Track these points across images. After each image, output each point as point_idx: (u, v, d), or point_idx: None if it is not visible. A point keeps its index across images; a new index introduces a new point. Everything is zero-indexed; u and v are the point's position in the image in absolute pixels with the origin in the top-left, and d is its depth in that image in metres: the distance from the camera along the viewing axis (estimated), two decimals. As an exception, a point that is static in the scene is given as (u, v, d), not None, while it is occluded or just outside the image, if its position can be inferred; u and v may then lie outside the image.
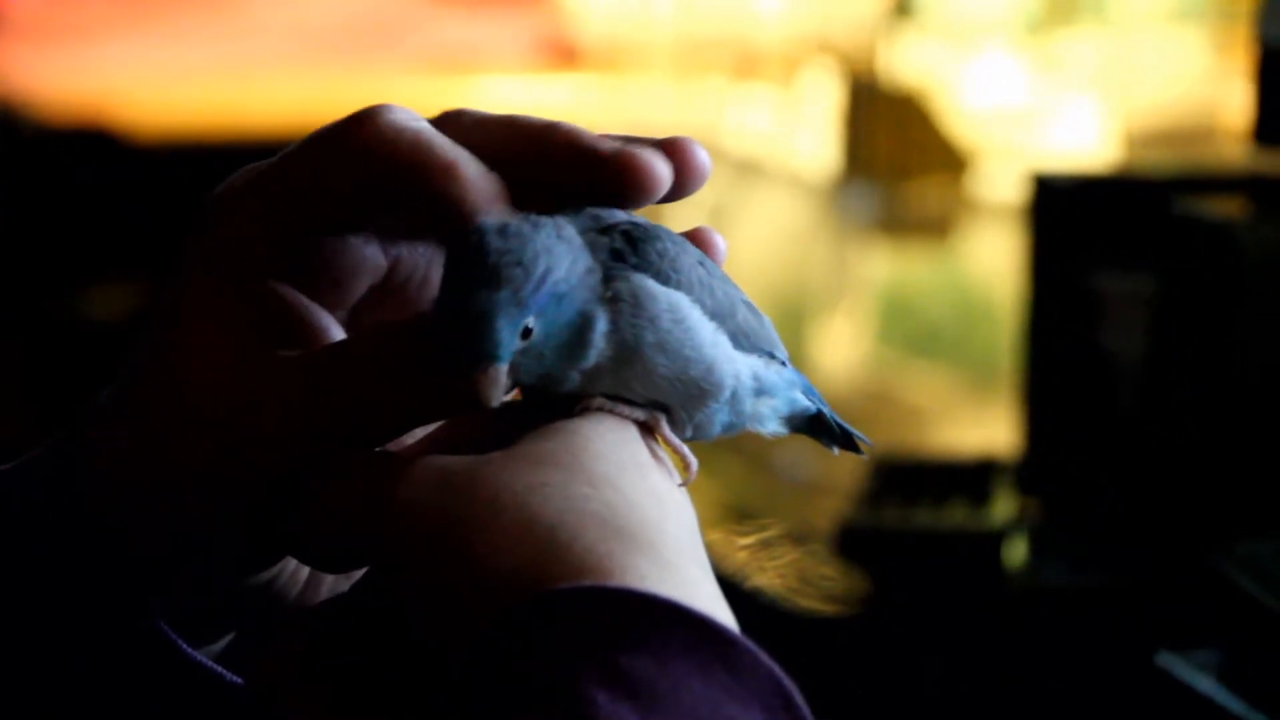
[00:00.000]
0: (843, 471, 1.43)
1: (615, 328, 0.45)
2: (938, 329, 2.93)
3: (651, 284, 0.46)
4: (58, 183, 3.11)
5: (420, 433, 0.48)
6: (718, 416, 0.48)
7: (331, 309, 0.48)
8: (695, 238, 0.49)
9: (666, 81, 4.56)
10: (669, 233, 0.48)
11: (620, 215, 0.47)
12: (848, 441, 0.53)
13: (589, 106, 4.20)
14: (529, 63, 4.32)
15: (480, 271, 0.43)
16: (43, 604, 0.46)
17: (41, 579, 0.46)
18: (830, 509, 1.37)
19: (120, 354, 0.49)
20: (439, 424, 0.48)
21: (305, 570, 0.49)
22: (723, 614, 0.42)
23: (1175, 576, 1.17)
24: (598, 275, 0.45)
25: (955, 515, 1.34)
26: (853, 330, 2.90)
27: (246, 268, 0.46)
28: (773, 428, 0.50)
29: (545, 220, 0.45)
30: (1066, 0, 4.21)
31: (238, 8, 4.04)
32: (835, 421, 0.52)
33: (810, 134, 4.06)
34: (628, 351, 0.46)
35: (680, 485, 0.46)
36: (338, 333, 0.47)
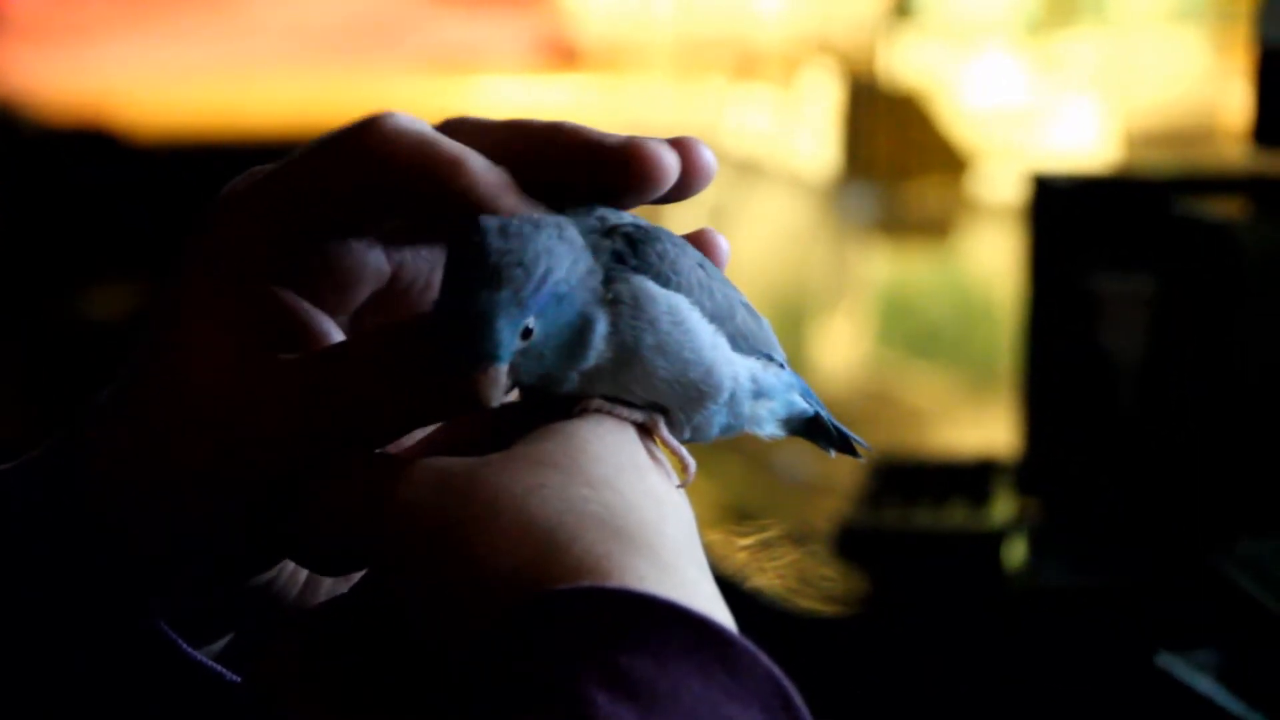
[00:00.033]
0: (843, 472, 1.43)
1: (615, 329, 0.45)
2: (938, 329, 2.93)
3: (652, 286, 0.46)
4: (58, 183, 3.11)
5: (419, 434, 0.48)
6: (716, 418, 0.48)
7: (333, 314, 0.48)
8: (699, 240, 0.49)
9: (666, 81, 4.56)
10: (669, 234, 0.48)
11: (625, 217, 0.47)
12: (845, 445, 0.53)
13: (589, 107, 4.19)
14: (529, 63, 4.32)
15: (481, 271, 0.43)
16: (43, 604, 0.46)
17: (41, 579, 0.46)
18: (830, 509, 1.37)
19: (120, 354, 0.49)
20: (438, 425, 0.48)
21: (304, 571, 0.49)
22: (721, 614, 0.42)
23: (1175, 576, 1.17)
24: (599, 277, 0.45)
25: (955, 515, 1.34)
26: (852, 330, 2.90)
27: (247, 268, 0.46)
28: (770, 430, 0.50)
29: (547, 221, 0.45)
30: (1066, 0, 4.21)
31: (238, 8, 4.04)
32: (832, 424, 0.52)
33: (810, 134, 4.06)
34: (627, 353, 0.46)
35: (678, 487, 0.46)
36: (338, 336, 0.47)
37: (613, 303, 0.45)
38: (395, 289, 0.49)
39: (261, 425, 0.45)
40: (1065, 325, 1.38)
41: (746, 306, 0.49)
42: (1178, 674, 0.95)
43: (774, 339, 0.50)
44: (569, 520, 0.42)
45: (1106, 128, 3.82)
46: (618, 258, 0.46)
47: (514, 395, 0.46)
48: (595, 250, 0.46)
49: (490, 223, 0.44)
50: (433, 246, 0.49)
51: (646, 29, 4.69)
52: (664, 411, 0.47)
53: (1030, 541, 1.32)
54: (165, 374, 0.46)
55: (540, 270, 0.44)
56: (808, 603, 1.25)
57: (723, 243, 0.50)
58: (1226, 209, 1.27)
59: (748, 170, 4.12)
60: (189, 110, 3.39)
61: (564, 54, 4.42)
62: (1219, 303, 1.23)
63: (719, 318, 0.47)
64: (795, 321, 2.76)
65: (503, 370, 0.44)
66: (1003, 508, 1.36)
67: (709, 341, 0.47)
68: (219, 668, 0.47)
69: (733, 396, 0.48)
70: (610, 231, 0.46)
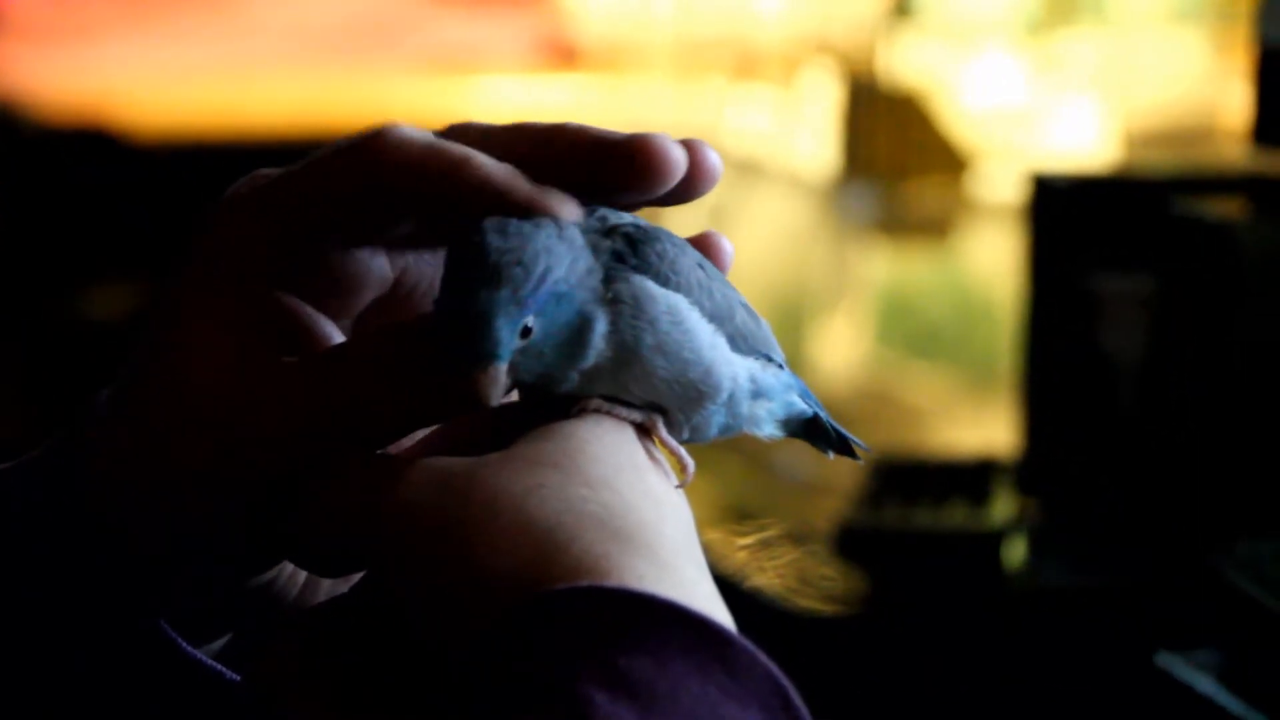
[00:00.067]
0: (843, 472, 1.43)
1: (615, 329, 0.45)
2: (937, 329, 2.93)
3: (652, 286, 0.46)
4: (58, 183, 3.11)
5: (419, 434, 0.48)
6: (715, 419, 0.48)
7: (336, 319, 0.48)
8: (703, 243, 0.49)
9: (666, 81, 4.56)
10: (669, 234, 0.48)
11: (625, 217, 0.47)
12: (844, 446, 0.53)
13: (589, 106, 4.19)
14: (529, 63, 4.32)
15: (480, 270, 0.43)
16: (43, 604, 0.46)
17: (41, 579, 0.46)
18: (830, 509, 1.37)
19: (120, 354, 0.49)
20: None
21: (303, 572, 0.49)
22: (720, 614, 0.42)
23: (1175, 576, 1.17)
24: (598, 276, 0.45)
25: (955, 515, 1.34)
26: (852, 330, 2.90)
27: (247, 269, 0.46)
28: (769, 431, 0.50)
29: (547, 220, 0.45)
30: (1066, 0, 4.21)
31: (238, 8, 4.04)
32: (831, 426, 0.52)
33: (810, 134, 4.06)
34: (627, 353, 0.46)
35: (677, 487, 0.46)
36: (338, 338, 0.47)
37: (612, 302, 0.45)
38: (398, 294, 0.49)
39: (261, 425, 0.45)
40: (1065, 325, 1.38)
41: (745, 307, 0.49)
42: (1178, 674, 0.95)
43: (773, 340, 0.50)
44: (567, 520, 0.42)
45: (1106, 128, 3.82)
46: (617, 257, 0.46)
47: (513, 395, 0.46)
48: (595, 250, 0.46)
49: (490, 222, 0.44)
50: (435, 251, 0.49)
51: (646, 29, 4.70)
52: (663, 412, 0.47)
53: (1030, 541, 1.32)
54: (165, 374, 0.46)
55: (540, 269, 0.44)
56: (807, 603, 1.25)
57: (727, 246, 0.50)
58: (1226, 209, 1.27)
59: (748, 170, 4.12)
60: (189, 110, 3.39)
61: (564, 54, 4.42)
62: (1219, 303, 1.23)
63: (718, 318, 0.47)
64: (795, 321, 2.76)
65: (502, 369, 0.44)
66: (1003, 508, 1.36)
67: (708, 341, 0.47)
68: (219, 667, 0.47)
69: (731, 397, 0.48)
70: (610, 231, 0.46)
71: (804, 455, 1.47)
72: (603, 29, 4.61)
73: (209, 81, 3.78)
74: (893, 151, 3.81)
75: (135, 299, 2.91)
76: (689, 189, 0.47)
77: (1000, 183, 3.62)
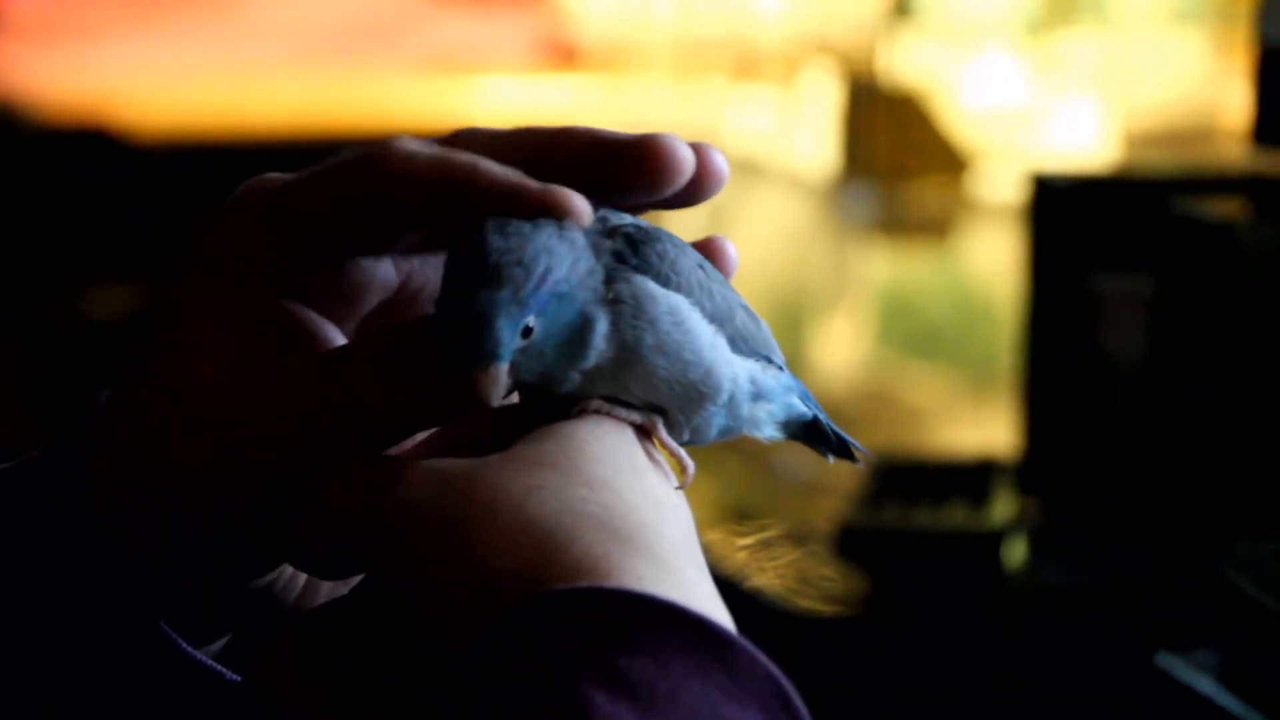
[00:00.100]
0: (842, 472, 1.43)
1: (615, 329, 0.45)
2: (937, 329, 2.93)
3: (652, 286, 0.46)
4: (58, 183, 3.11)
5: (419, 435, 0.48)
6: (715, 420, 0.48)
7: (340, 323, 0.48)
8: (707, 247, 0.49)
9: (666, 81, 4.56)
10: (670, 235, 0.48)
11: (627, 218, 0.47)
12: (843, 449, 0.53)
13: (589, 107, 4.20)
14: (529, 63, 4.32)
15: (481, 270, 0.43)
16: (43, 604, 0.46)
17: (41, 579, 0.46)
18: (830, 509, 1.37)
19: (120, 354, 0.49)
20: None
21: (303, 574, 0.49)
22: (720, 615, 0.42)
23: (1175, 576, 1.17)
24: (599, 276, 0.45)
25: (955, 515, 1.34)
26: (852, 331, 2.90)
27: (248, 269, 0.46)
28: (769, 432, 0.50)
29: (547, 220, 0.45)
30: (1066, 0, 4.22)
31: (238, 8, 4.04)
32: (831, 428, 0.52)
33: (810, 134, 4.07)
34: (627, 353, 0.46)
35: (677, 488, 0.46)
36: (339, 339, 0.47)
37: (613, 302, 0.45)
38: (404, 297, 0.49)
39: (261, 425, 0.45)
40: (1065, 325, 1.38)
41: (745, 309, 0.49)
42: (1178, 674, 0.95)
43: (773, 341, 0.50)
44: (567, 521, 0.42)
45: (1106, 128, 3.82)
46: (618, 257, 0.46)
47: (514, 396, 0.46)
48: (596, 250, 0.45)
49: (490, 222, 0.44)
50: (441, 254, 0.49)
51: (646, 29, 4.70)
52: (663, 413, 0.47)
53: (1030, 541, 1.32)
54: (165, 374, 0.46)
55: (540, 269, 0.43)
56: (808, 603, 1.25)
57: (731, 251, 0.50)
58: (1226, 209, 1.27)
59: (748, 170, 4.12)
60: (189, 110, 3.40)
61: (564, 54, 4.43)
62: (1219, 303, 1.23)
63: (719, 319, 0.47)
64: (795, 321, 2.76)
65: (503, 369, 0.44)
66: (1003, 508, 1.36)
67: (709, 342, 0.47)
68: (219, 667, 0.47)
69: (731, 398, 0.48)
70: (611, 232, 0.46)
71: (804, 455, 1.47)
72: (603, 29, 4.61)
73: (209, 81, 3.78)
74: (893, 151, 3.81)
75: (135, 299, 2.91)
76: (695, 192, 0.47)
77: (1000, 183, 3.63)
